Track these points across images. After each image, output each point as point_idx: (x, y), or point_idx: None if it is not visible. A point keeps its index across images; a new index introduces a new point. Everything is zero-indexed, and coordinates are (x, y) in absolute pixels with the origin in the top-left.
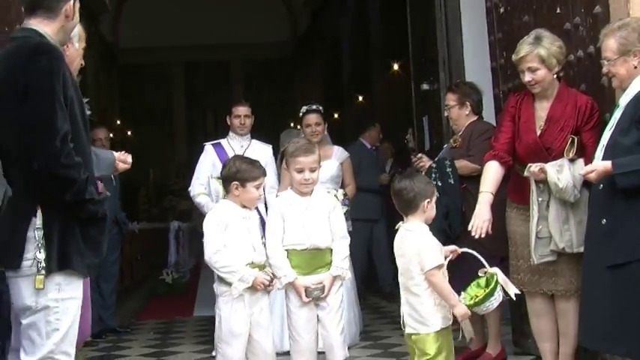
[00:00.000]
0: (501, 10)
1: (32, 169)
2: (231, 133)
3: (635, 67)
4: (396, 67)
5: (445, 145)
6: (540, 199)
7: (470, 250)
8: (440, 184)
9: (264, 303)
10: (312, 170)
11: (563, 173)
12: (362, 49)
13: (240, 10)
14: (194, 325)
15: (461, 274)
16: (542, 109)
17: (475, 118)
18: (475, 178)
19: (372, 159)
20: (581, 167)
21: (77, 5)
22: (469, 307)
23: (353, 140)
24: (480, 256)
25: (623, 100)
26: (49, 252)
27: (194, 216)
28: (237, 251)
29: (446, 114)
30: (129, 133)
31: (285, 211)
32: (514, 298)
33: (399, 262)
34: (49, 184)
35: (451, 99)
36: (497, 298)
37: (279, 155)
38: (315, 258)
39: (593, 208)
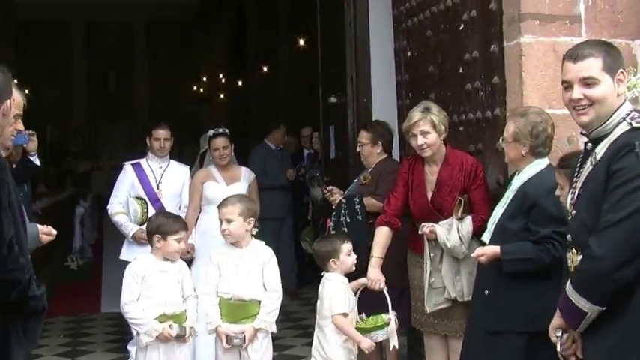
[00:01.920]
0: (408, 54)
1: None
2: (150, 154)
3: (523, 156)
4: (302, 42)
5: (355, 181)
6: (432, 253)
7: (381, 287)
8: (349, 220)
9: (184, 351)
10: (228, 221)
11: (451, 233)
12: (268, 20)
13: None
14: (103, 326)
15: (368, 299)
16: (431, 174)
17: (385, 156)
18: None
19: (277, 160)
20: (469, 224)
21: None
22: (359, 328)
23: (257, 111)
24: (387, 295)
25: (516, 182)
26: None
27: (92, 179)
28: (149, 303)
29: (358, 149)
30: (26, 91)
31: (220, 260)
32: (392, 348)
33: (318, 303)
34: None
35: (364, 137)
36: (382, 335)
37: (198, 157)
38: (239, 308)
39: (479, 279)
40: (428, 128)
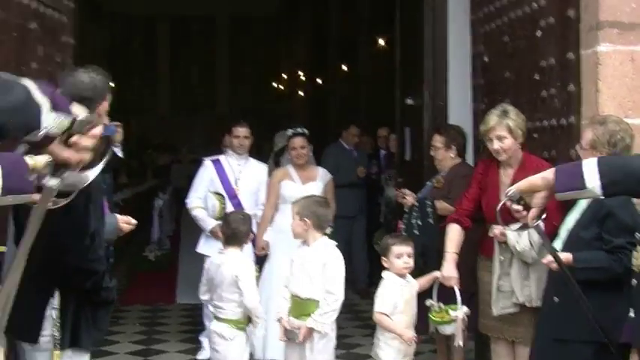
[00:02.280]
0: (485, 59)
1: (61, 260)
2: (229, 151)
3: None
4: (381, 42)
5: (428, 184)
6: (502, 257)
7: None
8: (420, 223)
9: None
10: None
11: (522, 237)
12: (350, 17)
13: None
14: (177, 317)
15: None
16: (506, 176)
17: (459, 160)
18: None
19: (350, 159)
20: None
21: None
22: (430, 318)
23: (335, 110)
24: (458, 293)
25: None
26: (63, 330)
27: (172, 172)
28: None
29: (431, 153)
30: (112, 84)
31: (292, 256)
32: (457, 346)
33: None
34: (76, 275)
35: (438, 141)
36: (449, 329)
37: (272, 154)
38: (299, 306)
39: (549, 286)
40: (504, 133)
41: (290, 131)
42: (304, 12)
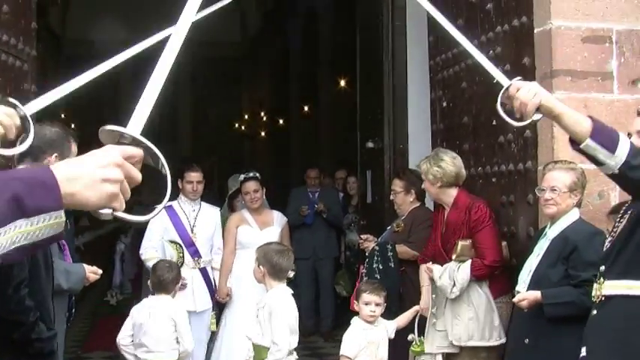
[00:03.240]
0: (444, 104)
1: None
2: (182, 197)
3: (569, 206)
4: (342, 83)
5: (388, 228)
6: (434, 295)
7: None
8: (381, 267)
9: None
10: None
11: (444, 273)
12: (311, 60)
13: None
14: None
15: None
16: (444, 217)
17: (418, 204)
18: (414, 263)
19: (309, 201)
20: (465, 268)
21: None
22: (413, 350)
23: (298, 153)
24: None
25: (551, 232)
26: None
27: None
28: None
29: (391, 197)
30: (72, 125)
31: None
32: None
33: None
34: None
35: (398, 185)
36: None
37: (227, 198)
38: (255, 350)
39: (517, 327)
40: (422, 176)
41: (242, 176)
42: (265, 52)
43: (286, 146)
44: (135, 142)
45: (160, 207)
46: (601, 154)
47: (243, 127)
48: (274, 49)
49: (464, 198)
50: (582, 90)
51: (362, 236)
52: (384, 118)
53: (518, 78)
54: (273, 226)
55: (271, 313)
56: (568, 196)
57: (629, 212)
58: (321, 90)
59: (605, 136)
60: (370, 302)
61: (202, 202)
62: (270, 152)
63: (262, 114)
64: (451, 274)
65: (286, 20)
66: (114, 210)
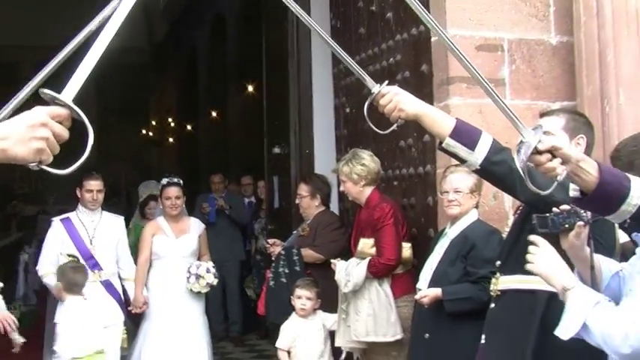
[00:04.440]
0: (347, 110)
1: None
2: (80, 207)
3: (473, 207)
4: (250, 88)
5: (294, 232)
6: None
7: None
8: (287, 271)
9: None
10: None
11: (342, 268)
12: (219, 65)
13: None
14: None
15: None
16: (359, 216)
17: (323, 208)
18: (319, 266)
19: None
20: (362, 265)
21: None
22: None
23: (207, 160)
24: None
25: (452, 232)
26: None
27: (39, 223)
28: None
29: (297, 201)
30: None
31: None
32: None
33: None
34: None
35: (303, 190)
36: None
37: (138, 206)
38: None
39: (418, 323)
40: (343, 177)
41: (164, 180)
42: (173, 58)
43: (195, 153)
44: (65, 105)
45: (78, 163)
46: (462, 151)
47: (150, 134)
48: (182, 55)
49: (375, 198)
50: (477, 96)
51: (269, 241)
52: (290, 124)
53: (385, 83)
54: (189, 234)
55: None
56: (469, 197)
57: (521, 208)
58: (230, 96)
59: (465, 135)
60: (301, 296)
61: (104, 212)
62: (179, 159)
63: (170, 120)
64: (349, 270)
65: (193, 26)
66: (40, 162)
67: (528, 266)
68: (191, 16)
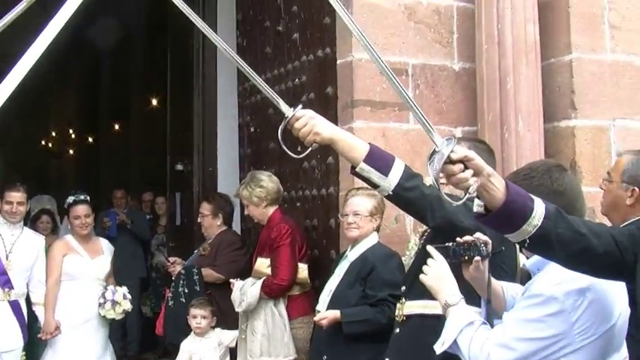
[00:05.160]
0: (252, 129)
1: None
2: (0, 219)
3: (370, 230)
4: (155, 102)
5: (195, 252)
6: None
7: None
8: (187, 291)
9: None
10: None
11: (241, 288)
12: (122, 76)
13: None
14: None
15: None
16: None
17: (225, 228)
18: (219, 286)
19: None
20: (256, 286)
21: None
22: None
23: (108, 173)
24: None
25: (352, 254)
26: None
27: None
28: None
29: (199, 220)
30: None
31: None
32: None
33: None
34: None
35: (205, 208)
36: None
37: (29, 221)
38: None
39: (316, 344)
40: (245, 201)
41: (71, 198)
42: (74, 66)
43: (96, 166)
44: None
45: None
46: (375, 176)
47: (50, 145)
48: (83, 63)
49: (276, 217)
50: (381, 120)
51: (170, 259)
52: (193, 141)
53: (300, 107)
54: (103, 255)
55: None
56: (369, 220)
57: (426, 234)
58: (133, 108)
59: (379, 160)
60: (197, 315)
61: (25, 228)
62: (79, 172)
63: (71, 131)
64: (244, 290)
65: (96, 34)
66: None
67: (421, 276)
68: (94, 23)
